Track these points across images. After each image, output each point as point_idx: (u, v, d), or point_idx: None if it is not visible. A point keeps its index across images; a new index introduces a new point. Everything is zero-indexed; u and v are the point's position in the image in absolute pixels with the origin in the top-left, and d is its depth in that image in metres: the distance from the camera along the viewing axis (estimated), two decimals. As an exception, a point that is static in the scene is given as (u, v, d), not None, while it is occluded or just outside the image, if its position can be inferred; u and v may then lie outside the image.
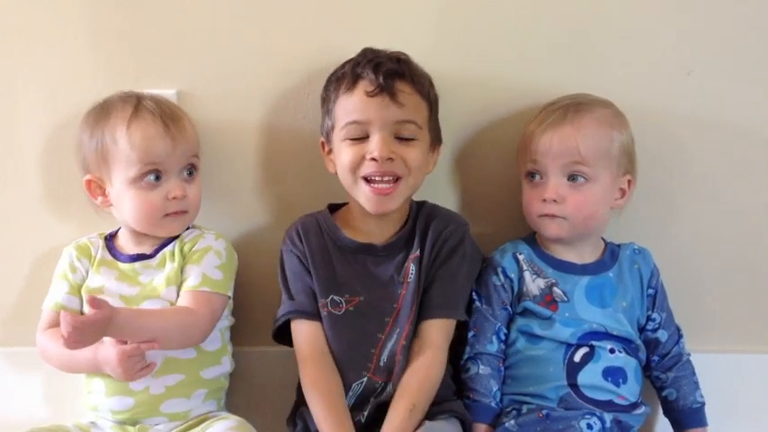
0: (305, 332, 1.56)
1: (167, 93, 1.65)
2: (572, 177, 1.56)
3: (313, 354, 1.55)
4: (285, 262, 1.60)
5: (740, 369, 1.73)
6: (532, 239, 1.66)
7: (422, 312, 1.56)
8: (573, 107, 1.58)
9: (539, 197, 1.58)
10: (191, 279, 1.57)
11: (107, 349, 1.48)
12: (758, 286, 1.75)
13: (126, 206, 1.57)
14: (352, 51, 1.58)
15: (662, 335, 1.62)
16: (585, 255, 1.63)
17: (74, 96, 1.67)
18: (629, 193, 1.62)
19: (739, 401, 1.73)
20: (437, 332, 1.56)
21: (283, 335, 1.60)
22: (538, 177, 1.59)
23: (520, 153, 1.63)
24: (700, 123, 1.69)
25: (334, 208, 1.65)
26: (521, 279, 1.61)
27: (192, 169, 1.60)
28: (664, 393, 1.64)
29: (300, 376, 1.55)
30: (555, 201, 1.56)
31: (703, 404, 1.63)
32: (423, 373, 1.53)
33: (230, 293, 1.61)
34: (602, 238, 1.66)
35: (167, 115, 1.57)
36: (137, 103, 1.58)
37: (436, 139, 1.61)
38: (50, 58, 1.68)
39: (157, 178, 1.56)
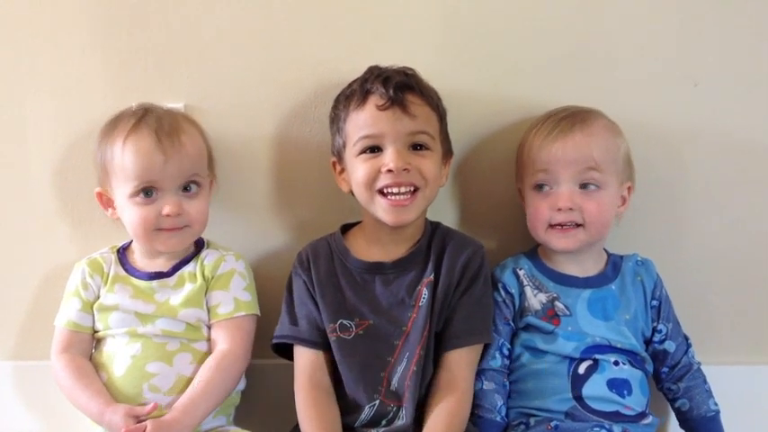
0: (304, 360, 1.56)
1: (174, 107, 1.65)
2: (584, 185, 1.55)
3: (310, 382, 1.54)
4: (293, 284, 1.60)
5: (751, 381, 1.72)
6: (534, 254, 1.65)
7: (446, 342, 1.54)
8: (578, 116, 1.57)
9: (550, 207, 1.56)
10: (223, 306, 1.59)
11: (115, 419, 1.49)
12: (766, 296, 1.73)
13: (125, 219, 1.57)
14: (357, 64, 1.58)
15: (669, 346, 1.61)
16: (588, 267, 1.62)
17: (82, 111, 1.69)
18: (628, 201, 1.61)
19: (752, 415, 1.70)
20: (464, 364, 1.54)
21: (283, 348, 1.59)
22: (547, 188, 1.57)
23: (521, 166, 1.61)
24: (705, 134, 1.68)
25: (348, 228, 1.64)
26: (522, 294, 1.60)
27: (191, 185, 1.57)
28: (677, 405, 1.63)
29: (296, 402, 1.54)
30: (571, 209, 1.55)
31: (718, 412, 1.61)
32: (448, 416, 1.50)
33: (258, 311, 1.62)
34: (605, 250, 1.65)
35: (164, 130, 1.54)
36: (140, 117, 1.56)
37: (448, 151, 1.60)
38: (58, 72, 1.69)
39: (148, 194, 1.54)
